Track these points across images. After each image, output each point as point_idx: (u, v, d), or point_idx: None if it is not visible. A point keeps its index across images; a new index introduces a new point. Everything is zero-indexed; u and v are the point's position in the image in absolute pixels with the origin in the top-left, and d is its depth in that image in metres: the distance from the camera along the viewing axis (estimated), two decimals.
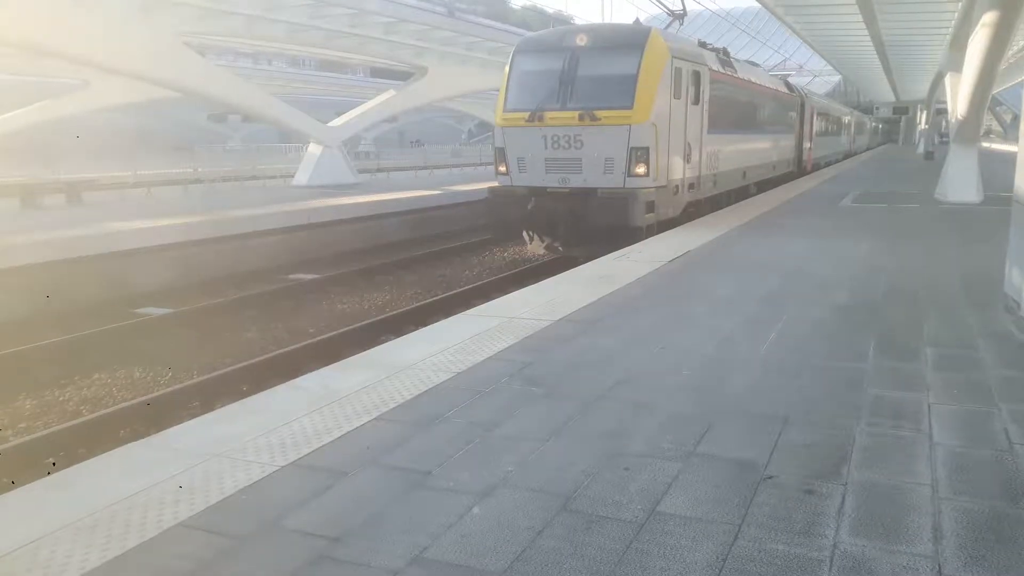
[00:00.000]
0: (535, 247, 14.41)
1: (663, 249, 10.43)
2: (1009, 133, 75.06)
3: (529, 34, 17.10)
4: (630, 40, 13.01)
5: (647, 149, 12.34)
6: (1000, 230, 7.53)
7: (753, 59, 25.18)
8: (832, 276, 8.48)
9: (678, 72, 13.29)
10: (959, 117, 17.78)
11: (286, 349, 9.20)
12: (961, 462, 3.72)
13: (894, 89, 58.62)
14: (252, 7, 20.81)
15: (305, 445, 3.95)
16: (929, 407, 4.47)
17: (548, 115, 12.70)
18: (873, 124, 67.72)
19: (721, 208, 16.45)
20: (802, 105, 27.26)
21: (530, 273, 13.22)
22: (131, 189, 22.99)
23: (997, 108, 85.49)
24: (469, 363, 5.34)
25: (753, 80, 19.49)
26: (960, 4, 19.52)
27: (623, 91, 12.43)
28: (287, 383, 5.06)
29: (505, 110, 13.35)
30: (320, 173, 25.40)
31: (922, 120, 54.23)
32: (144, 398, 7.61)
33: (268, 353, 9.11)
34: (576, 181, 12.76)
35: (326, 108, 44.96)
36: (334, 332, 9.95)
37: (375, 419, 4.31)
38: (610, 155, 12.46)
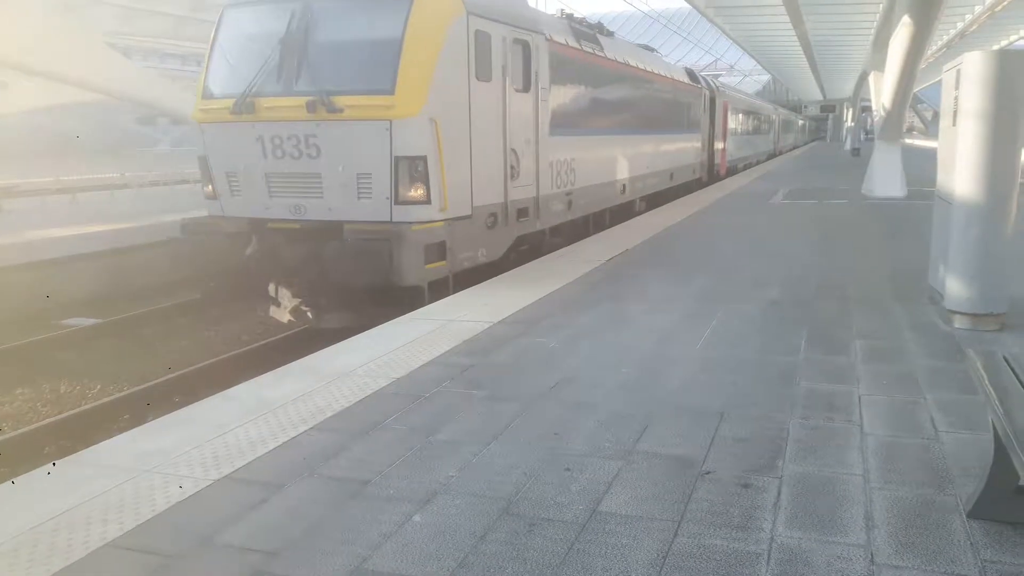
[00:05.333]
0: (280, 312, 8.66)
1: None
2: (930, 130, 77.95)
3: None
4: None
5: (424, 159, 7.86)
6: (924, 224, 7.80)
7: (685, 61, 24.79)
8: (766, 276, 8.66)
9: (482, 39, 8.78)
10: (883, 114, 18.38)
11: None
12: (891, 451, 3.82)
13: (821, 88, 60.38)
14: (179, 7, 20.33)
15: (239, 457, 3.85)
16: (860, 398, 4.59)
17: (264, 104, 8.16)
18: (801, 122, 69.44)
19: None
20: (711, 100, 23.21)
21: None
22: (53, 195, 22.18)
23: (919, 106, 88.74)
24: (408, 368, 5.29)
25: (632, 64, 14.94)
26: (881, 5, 20.19)
27: (379, 65, 7.95)
28: (219, 394, 4.93)
29: (204, 96, 8.83)
30: None
31: (848, 118, 55.92)
32: (71, 412, 7.33)
33: None
34: (315, 211, 8.24)
35: None
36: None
37: (311, 429, 4.23)
38: (364, 168, 7.95)
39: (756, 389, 4.80)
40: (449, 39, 8.24)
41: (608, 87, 13.50)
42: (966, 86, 5.87)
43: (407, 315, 6.92)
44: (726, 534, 3.07)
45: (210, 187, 8.90)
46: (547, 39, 10.52)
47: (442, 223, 8.14)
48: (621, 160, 14.34)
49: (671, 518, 3.20)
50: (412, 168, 7.90)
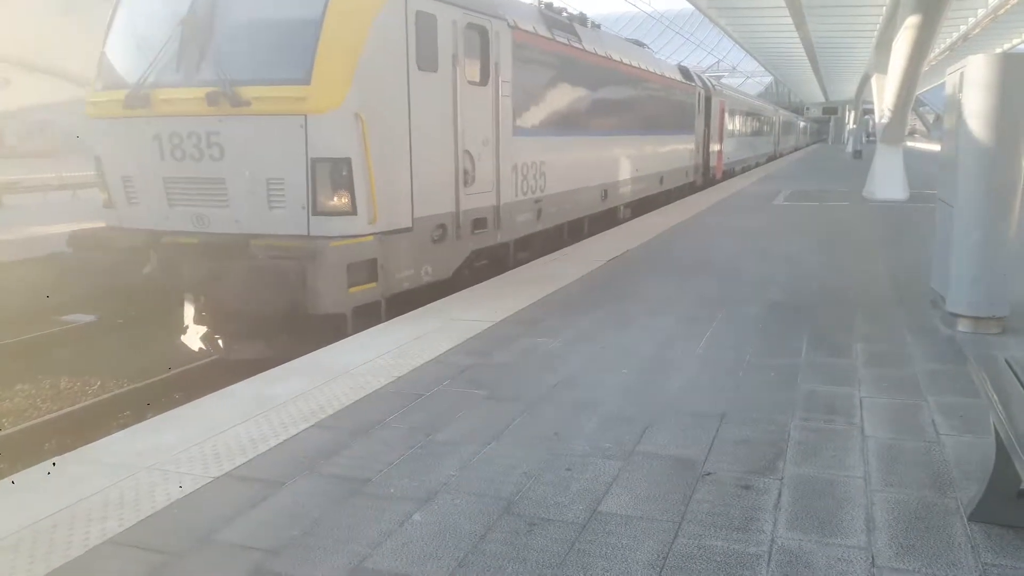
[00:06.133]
0: (192, 337, 7.55)
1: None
2: (932, 133, 77.94)
3: None
4: None
5: (347, 162, 6.73)
6: (925, 227, 7.79)
7: (687, 62, 24.41)
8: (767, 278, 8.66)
9: (425, 22, 7.56)
10: (885, 117, 18.38)
11: None
12: (892, 454, 3.81)
13: (823, 90, 60.41)
14: None
15: (240, 455, 3.85)
16: (861, 401, 4.58)
17: (160, 96, 7.03)
18: (803, 124, 69.41)
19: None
20: (707, 99, 22.07)
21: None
22: (56, 192, 22.20)
23: (921, 108, 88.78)
24: (409, 367, 5.28)
25: (616, 58, 13.59)
26: (885, 8, 20.19)
27: (293, 49, 6.81)
28: (219, 392, 4.92)
29: (97, 87, 7.69)
30: None
31: (850, 120, 55.94)
32: (70, 408, 7.33)
33: None
34: (220, 222, 7.06)
35: None
36: None
37: (312, 426, 4.23)
38: (275, 173, 6.81)
39: (757, 391, 4.80)
40: (381, 20, 7.00)
41: (587, 83, 12.23)
42: (969, 89, 5.86)
43: (408, 314, 6.91)
44: (726, 535, 3.06)
45: (106, 194, 7.71)
46: (510, 26, 9.31)
47: (371, 237, 6.94)
48: (602, 163, 13.17)
49: (671, 519, 3.20)
50: (333, 172, 6.75)
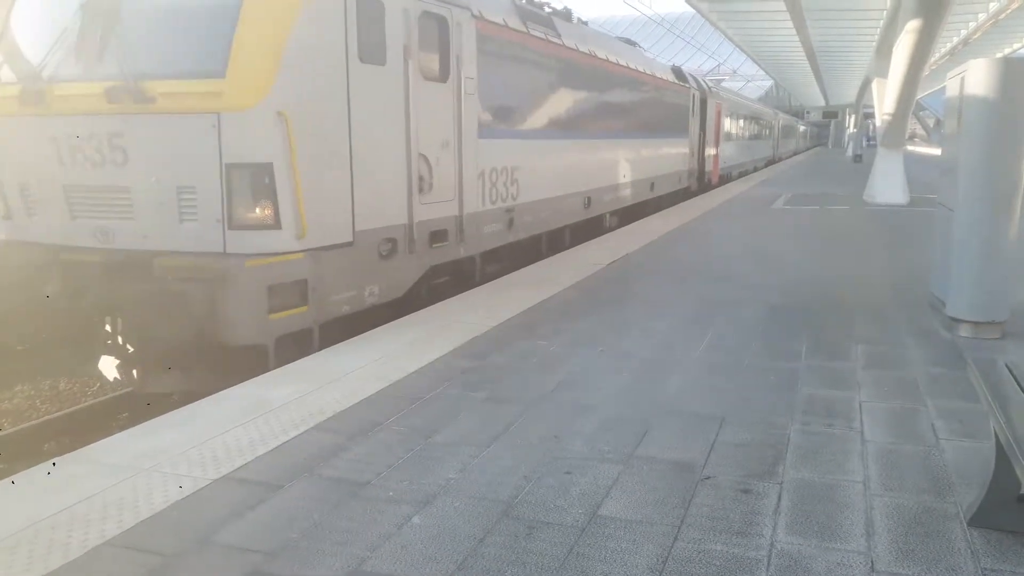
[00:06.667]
0: (107, 366, 6.55)
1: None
2: (932, 137, 78.02)
3: None
4: None
5: (269, 167, 5.88)
6: (926, 231, 7.80)
7: (688, 65, 24.24)
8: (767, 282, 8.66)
9: (369, 9, 6.70)
10: (885, 121, 18.40)
11: None
12: (891, 458, 3.81)
13: (824, 94, 60.48)
14: None
15: (238, 457, 3.85)
16: (860, 405, 4.58)
17: (57, 91, 6.20)
18: (803, 127, 69.45)
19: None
20: (702, 102, 21.40)
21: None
22: None
23: (921, 113, 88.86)
24: (407, 370, 5.28)
25: (601, 56, 12.75)
26: (885, 12, 20.22)
27: (206, 38, 6.01)
28: (217, 394, 4.92)
29: None
30: None
31: (851, 124, 56.00)
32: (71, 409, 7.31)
33: None
34: (125, 237, 6.17)
35: None
36: None
37: (310, 429, 4.22)
38: (186, 180, 5.95)
39: (756, 394, 4.80)
40: (314, 4, 6.15)
41: (567, 82, 11.28)
42: (970, 93, 5.87)
43: (406, 317, 6.91)
44: (726, 539, 3.06)
45: (1, 203, 6.75)
46: (475, 16, 8.42)
47: (301, 255, 6.09)
48: (584, 168, 12.24)
49: (671, 523, 3.19)
50: (253, 180, 5.89)
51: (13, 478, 3.67)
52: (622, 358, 5.58)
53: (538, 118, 10.38)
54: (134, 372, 6.31)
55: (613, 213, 14.19)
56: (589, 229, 12.88)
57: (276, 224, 5.97)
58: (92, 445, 4.14)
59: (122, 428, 4.98)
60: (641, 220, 14.63)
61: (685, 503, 3.36)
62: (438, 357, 5.58)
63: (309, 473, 3.68)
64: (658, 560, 2.92)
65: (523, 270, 9.29)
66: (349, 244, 6.57)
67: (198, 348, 5.87)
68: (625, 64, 14.15)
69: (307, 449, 3.96)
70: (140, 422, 4.45)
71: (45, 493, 3.46)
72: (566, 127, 11.38)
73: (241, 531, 3.15)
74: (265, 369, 5.61)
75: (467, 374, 5.20)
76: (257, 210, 5.95)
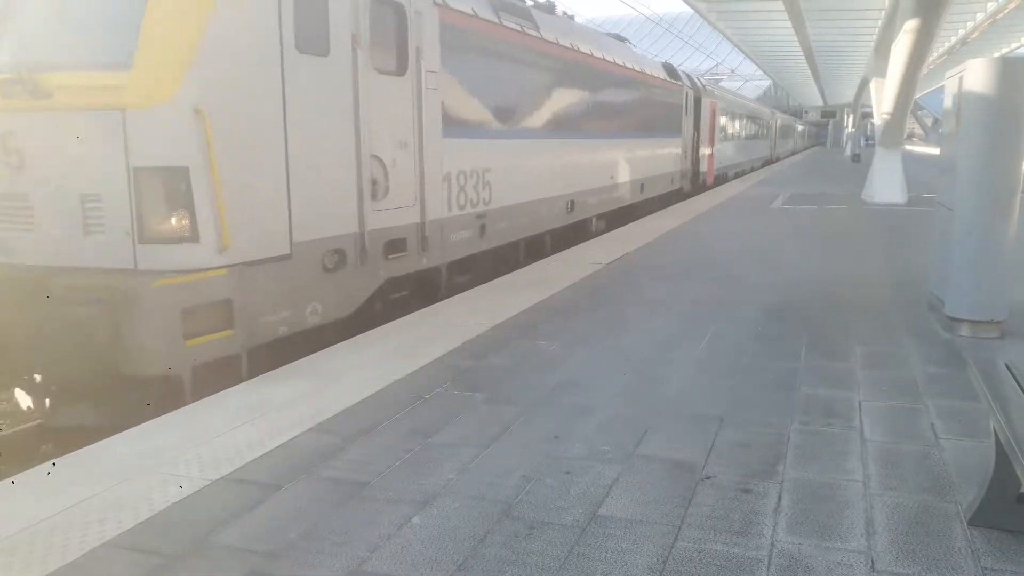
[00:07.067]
0: (20, 394, 5.81)
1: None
2: (930, 136, 78.13)
3: None
4: None
5: (185, 172, 5.21)
6: (924, 230, 7.80)
7: (686, 65, 24.20)
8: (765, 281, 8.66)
9: None
10: (884, 121, 18.42)
11: None
12: (891, 458, 3.81)
13: (822, 93, 60.53)
14: None
15: (237, 458, 3.84)
16: (860, 405, 4.58)
17: None
18: (800, 127, 69.48)
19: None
20: (696, 100, 20.81)
21: None
22: None
23: (919, 112, 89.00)
24: (407, 370, 5.28)
25: (584, 51, 12.07)
26: (884, 11, 20.24)
27: (111, 24, 5.38)
28: (216, 395, 4.91)
29: None
30: None
31: (849, 124, 56.05)
32: None
33: None
34: (26, 251, 5.52)
35: None
36: None
37: (309, 430, 4.22)
38: (90, 187, 5.30)
39: (756, 394, 4.79)
40: None
41: (547, 77, 10.61)
42: (969, 93, 5.87)
43: (406, 317, 6.90)
44: (726, 539, 3.06)
45: None
46: (437, 4, 7.68)
47: (223, 271, 5.36)
48: (567, 170, 11.52)
49: (671, 523, 3.19)
50: (166, 186, 5.20)
51: (13, 479, 3.67)
52: (622, 358, 5.58)
53: (514, 116, 9.70)
54: (46, 402, 5.57)
55: (600, 217, 13.63)
56: (573, 234, 12.31)
57: (193, 236, 5.26)
58: (91, 446, 4.13)
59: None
60: (640, 220, 14.62)
61: (685, 503, 3.36)
62: (437, 357, 5.58)
63: (309, 473, 3.68)
64: (658, 560, 2.91)
65: (522, 270, 9.29)
66: (286, 257, 5.86)
67: (108, 378, 5.15)
68: (612, 60, 13.50)
69: (307, 449, 3.96)
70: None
71: (44, 494, 3.46)
72: (546, 126, 10.75)
73: (241, 532, 3.14)
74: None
75: (467, 374, 5.20)
76: (172, 220, 5.26)
